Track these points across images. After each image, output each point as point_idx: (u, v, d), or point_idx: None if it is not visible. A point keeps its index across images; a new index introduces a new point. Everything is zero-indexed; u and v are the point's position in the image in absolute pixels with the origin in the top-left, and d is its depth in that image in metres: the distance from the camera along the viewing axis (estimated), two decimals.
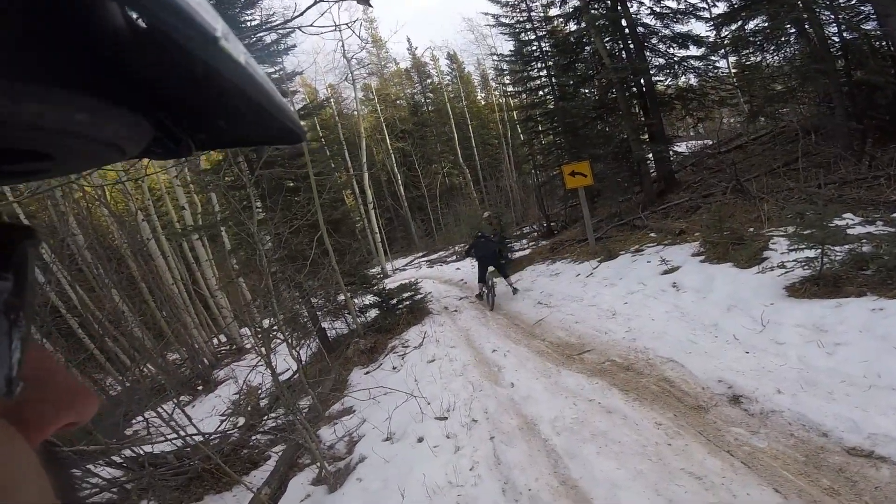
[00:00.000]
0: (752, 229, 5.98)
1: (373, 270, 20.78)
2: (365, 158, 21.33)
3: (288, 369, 9.42)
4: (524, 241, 14.63)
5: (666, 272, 6.20)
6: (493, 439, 3.87)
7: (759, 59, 10.17)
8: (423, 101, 33.61)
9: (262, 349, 4.92)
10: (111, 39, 0.18)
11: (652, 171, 11.03)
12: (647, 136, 10.96)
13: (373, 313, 9.13)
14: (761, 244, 5.38)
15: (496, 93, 30.08)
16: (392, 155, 28.25)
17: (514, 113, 22.91)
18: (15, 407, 0.24)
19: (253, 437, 6.24)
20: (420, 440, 4.21)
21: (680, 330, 4.71)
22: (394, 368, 6.58)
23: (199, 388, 11.92)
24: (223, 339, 17.24)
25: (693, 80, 11.29)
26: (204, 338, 15.63)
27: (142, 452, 5.21)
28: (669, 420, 3.42)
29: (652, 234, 8.43)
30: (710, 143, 13.39)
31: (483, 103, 34.86)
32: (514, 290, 8.52)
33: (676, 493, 2.54)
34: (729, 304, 4.73)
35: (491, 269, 8.69)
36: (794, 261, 4.39)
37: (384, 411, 5.07)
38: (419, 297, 9.39)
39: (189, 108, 0.25)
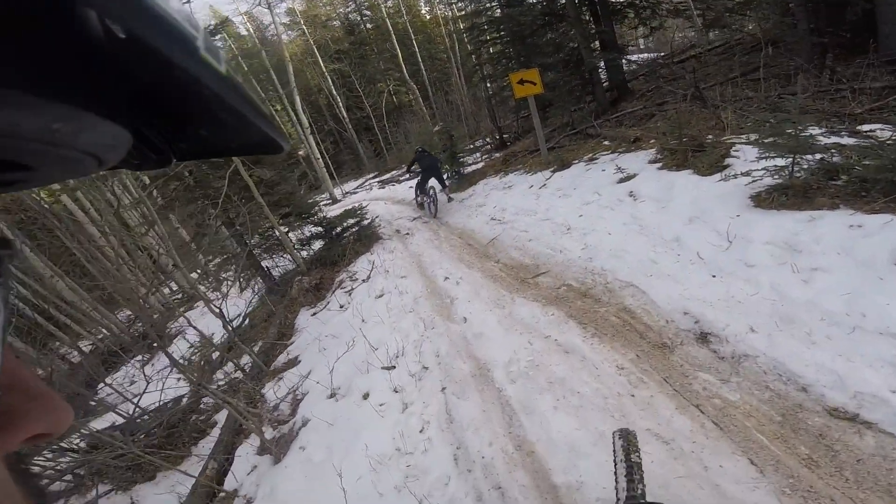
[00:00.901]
0: (710, 137, 5.50)
1: (320, 197, 20.02)
2: (293, 83, 19.40)
3: (239, 315, 8.96)
4: (477, 155, 13.94)
5: (622, 180, 5.76)
6: (444, 391, 3.53)
7: None
8: (359, 19, 31.01)
9: (206, 293, 4.33)
10: (89, 48, 0.17)
11: (604, 80, 10.34)
12: (598, 46, 10.21)
13: (319, 245, 8.54)
14: (722, 151, 4.93)
15: (441, 5, 28.05)
16: (328, 77, 26.28)
17: (461, 23, 21.63)
18: None
19: (202, 400, 5.81)
20: (366, 396, 3.84)
21: (639, 246, 4.34)
22: (341, 307, 6.12)
23: (154, 344, 11.36)
24: (174, 287, 16.47)
25: None
26: (152, 289, 14.79)
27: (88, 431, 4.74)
28: (632, 363, 3.07)
29: (606, 143, 7.92)
30: (662, 54, 12.67)
31: (428, 17, 32.40)
32: (449, 199, 9.49)
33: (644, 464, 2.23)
34: (691, 215, 4.35)
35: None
36: (762, 169, 3.96)
37: (330, 359, 4.66)
38: (366, 222, 8.78)
39: (169, 118, 0.24)
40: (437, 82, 28.90)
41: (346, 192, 20.79)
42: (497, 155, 12.73)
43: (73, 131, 0.21)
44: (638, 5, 10.20)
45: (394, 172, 21.31)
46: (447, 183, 10.11)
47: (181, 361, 7.68)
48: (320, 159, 20.02)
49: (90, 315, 11.98)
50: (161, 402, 6.17)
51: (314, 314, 6.52)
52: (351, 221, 8.56)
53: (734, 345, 2.85)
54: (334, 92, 26.46)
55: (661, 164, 5.61)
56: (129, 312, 13.84)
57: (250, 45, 26.59)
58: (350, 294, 6.37)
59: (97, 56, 0.18)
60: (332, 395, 4.16)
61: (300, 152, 23.99)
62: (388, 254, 7.39)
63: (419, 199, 9.70)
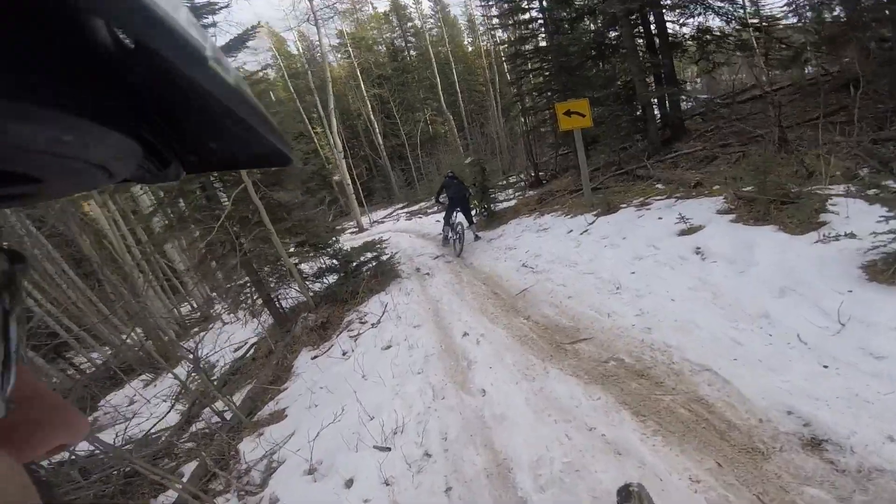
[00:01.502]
0: (795, 187, 4.59)
1: (348, 224, 19.56)
2: (332, 104, 19.22)
3: (244, 344, 8.24)
4: (510, 192, 13.22)
5: (684, 232, 4.87)
6: (448, 493, 2.64)
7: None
8: (403, 45, 31.46)
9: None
10: (98, 59, 0.18)
11: (657, 117, 9.58)
12: (650, 80, 9.60)
13: (332, 279, 7.81)
14: (816, 205, 4.01)
15: (484, 37, 28.09)
16: (368, 102, 26.28)
17: (502, 53, 21.62)
18: (4, 428, 0.24)
19: (180, 442, 5.02)
20: (349, 484, 2.98)
21: (714, 320, 3.43)
22: (343, 355, 5.31)
23: (157, 367, 10.83)
24: (195, 305, 16.10)
25: (713, 21, 9.59)
26: (169, 306, 14.39)
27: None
28: (711, 473, 2.23)
29: (659, 186, 7.08)
30: (720, 94, 11.86)
31: (470, 49, 32.88)
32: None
33: None
34: (782, 285, 3.43)
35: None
36: (887, 233, 3.04)
37: (319, 419, 3.84)
38: (385, 257, 8.03)
39: (179, 130, 0.24)
40: (473, 114, 28.79)
41: (374, 221, 20.28)
42: (531, 193, 12.04)
43: (83, 143, 0.20)
44: (702, 39, 9.46)
45: (422, 204, 20.77)
46: (475, 219, 9.55)
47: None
48: (350, 185, 19.55)
49: (97, 328, 11.49)
50: (149, 432, 5.45)
51: (315, 357, 5.72)
52: (369, 255, 7.82)
53: (863, 456, 2.04)
54: (372, 117, 26.40)
55: (733, 215, 4.71)
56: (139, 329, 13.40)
57: (299, 66, 26.93)
58: (356, 340, 5.56)
59: (106, 67, 0.18)
60: (311, 472, 3.32)
61: (334, 177, 23.81)
62: (403, 296, 6.58)
63: (444, 233, 9.08)
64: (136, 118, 0.23)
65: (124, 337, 12.85)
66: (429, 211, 17.52)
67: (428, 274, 7.57)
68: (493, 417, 3.19)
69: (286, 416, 4.47)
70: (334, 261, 7.54)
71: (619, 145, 9.38)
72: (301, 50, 27.61)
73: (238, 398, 5.50)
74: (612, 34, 9.75)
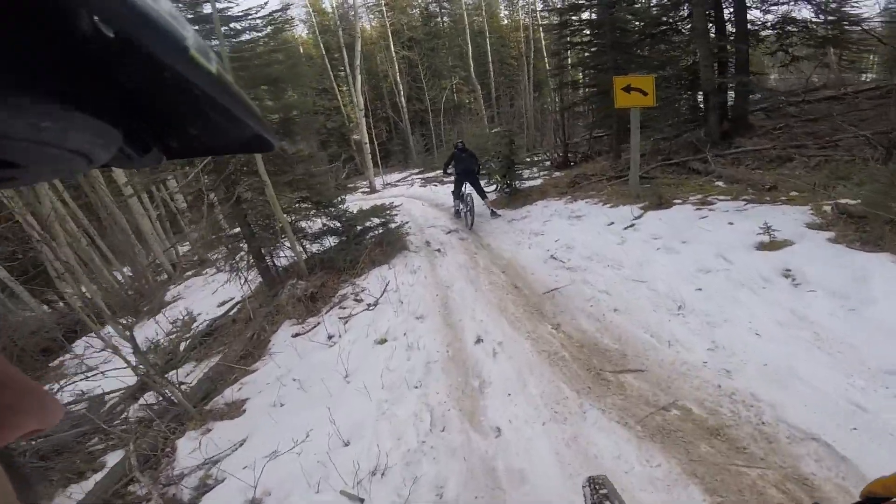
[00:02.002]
0: None
1: (361, 184, 18.59)
2: (359, 60, 18.00)
3: (231, 299, 7.45)
4: (534, 170, 12.19)
5: (765, 247, 3.89)
6: None
7: None
8: (437, 10, 30.18)
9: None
10: (78, 47, 0.18)
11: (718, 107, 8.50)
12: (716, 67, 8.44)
13: (333, 241, 6.92)
14: None
15: (523, 10, 27.65)
16: (396, 63, 25.05)
17: (543, 23, 21.28)
18: None
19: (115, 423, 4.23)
20: None
21: (822, 371, 2.50)
22: (329, 339, 4.47)
23: (145, 308, 10.18)
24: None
25: (802, 11, 8.30)
26: (167, 244, 13.60)
27: None
28: None
29: (720, 184, 6.06)
30: (790, 90, 10.60)
31: (505, 21, 31.50)
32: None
33: None
34: None
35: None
36: None
37: (281, 428, 3.01)
38: (394, 225, 7.11)
39: (159, 117, 0.24)
40: (502, 87, 27.48)
41: (387, 184, 19.29)
42: (559, 174, 11.09)
43: (62, 130, 0.20)
44: (783, 29, 8.23)
45: (439, 171, 19.73)
46: (495, 195, 9.13)
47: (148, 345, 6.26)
48: (367, 145, 18.46)
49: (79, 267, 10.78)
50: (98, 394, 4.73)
51: (296, 336, 4.88)
52: (375, 221, 6.90)
53: None
54: (398, 79, 25.13)
55: (831, 233, 3.72)
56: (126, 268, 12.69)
57: (331, 24, 25.78)
58: (346, 323, 4.68)
59: (86, 55, 0.18)
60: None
61: (353, 136, 22.78)
62: (408, 274, 5.69)
63: (455, 206, 8.77)
64: (117, 105, 0.22)
65: (117, 275, 12.23)
66: (444, 180, 16.51)
67: (439, 251, 6.64)
68: (508, 474, 2.33)
69: (244, 410, 3.66)
70: (336, 223, 6.64)
71: (674, 133, 8.29)
72: (335, 6, 26.30)
73: (197, 374, 4.70)
74: (675, 13, 8.65)
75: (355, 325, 4.55)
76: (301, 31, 29.98)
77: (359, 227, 6.64)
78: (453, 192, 8.51)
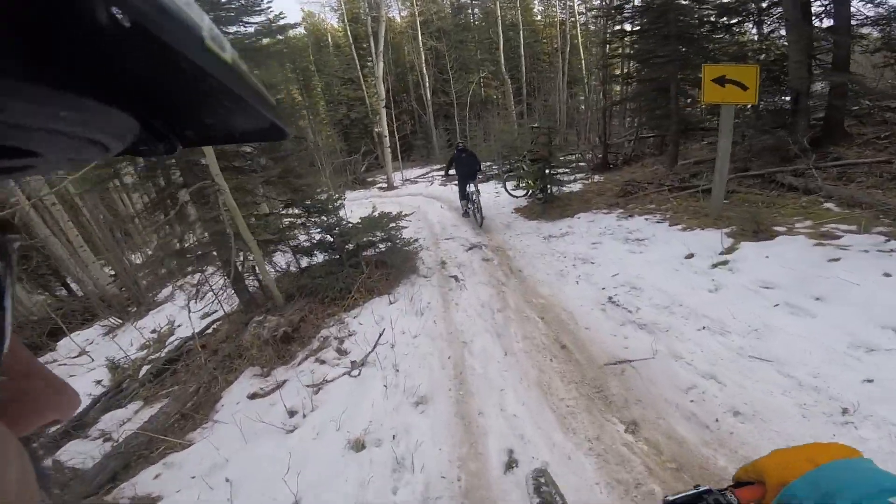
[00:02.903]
0: None
1: (380, 178, 17.21)
2: (382, 46, 16.58)
3: (215, 312, 6.14)
4: (566, 170, 10.70)
5: None
6: None
7: None
8: (469, 2, 28.47)
9: None
10: (95, 36, 0.17)
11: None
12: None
13: (322, 258, 5.54)
14: None
15: (559, 3, 26.56)
16: (423, 53, 23.72)
17: (578, 25, 20.77)
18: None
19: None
20: None
21: None
22: (289, 417, 3.09)
23: (133, 309, 9.16)
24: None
25: None
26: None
27: None
28: None
29: (829, 205, 4.53)
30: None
31: (539, 18, 30.01)
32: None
33: None
34: None
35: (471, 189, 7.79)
36: None
37: None
38: (399, 242, 5.68)
39: (175, 106, 0.24)
40: (534, 82, 25.88)
41: (406, 179, 17.84)
42: (598, 178, 9.77)
43: (80, 119, 0.20)
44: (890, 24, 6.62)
45: None
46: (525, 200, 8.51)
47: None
48: (387, 138, 17.05)
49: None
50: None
51: (254, 396, 3.53)
52: (379, 235, 5.47)
53: None
54: (425, 70, 23.74)
55: None
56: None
57: (361, 13, 24.56)
58: (316, 394, 3.28)
59: (103, 45, 0.18)
60: None
61: (376, 129, 21.49)
62: (413, 316, 4.26)
63: (463, 207, 8.70)
64: (133, 95, 0.22)
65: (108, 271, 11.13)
66: (449, 182, 15.06)
67: (456, 278, 5.18)
68: None
69: None
70: (328, 236, 5.25)
71: (759, 139, 6.74)
72: None
73: (142, 416, 3.40)
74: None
75: (327, 400, 3.14)
76: (332, 19, 29.08)
77: (352, 245, 5.21)
78: (459, 193, 8.53)
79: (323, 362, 3.71)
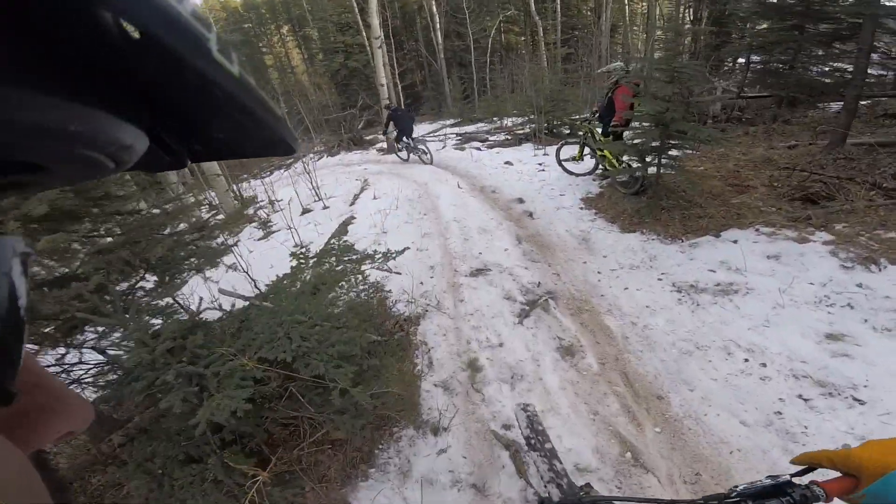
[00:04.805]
0: None
1: (381, 137, 13.57)
2: None
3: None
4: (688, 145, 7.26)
5: None
6: None
7: None
8: None
9: None
10: (104, 49, 0.18)
11: None
12: None
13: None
14: None
15: None
16: None
17: None
18: (10, 417, 0.24)
19: None
20: None
21: None
22: None
23: None
24: None
25: None
26: None
27: None
28: None
29: None
30: None
31: None
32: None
33: None
34: None
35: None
36: None
37: None
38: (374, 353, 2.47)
39: (185, 119, 0.24)
40: (566, 27, 21.57)
41: (413, 138, 13.94)
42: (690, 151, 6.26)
43: (90, 132, 0.20)
44: None
45: (481, 126, 14.49)
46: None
47: None
48: (384, 87, 13.20)
49: None
50: None
51: None
52: (329, 342, 2.27)
53: None
54: (434, 8, 19.79)
55: None
56: None
57: None
58: None
59: (112, 57, 0.18)
60: None
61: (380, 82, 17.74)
62: None
63: (403, 149, 9.95)
64: (143, 108, 0.22)
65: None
66: (492, 140, 11.44)
67: (515, 449, 2.04)
68: None
69: None
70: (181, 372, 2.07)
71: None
72: None
73: None
74: None
75: None
76: None
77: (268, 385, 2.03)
78: (397, 139, 9.79)
79: None
